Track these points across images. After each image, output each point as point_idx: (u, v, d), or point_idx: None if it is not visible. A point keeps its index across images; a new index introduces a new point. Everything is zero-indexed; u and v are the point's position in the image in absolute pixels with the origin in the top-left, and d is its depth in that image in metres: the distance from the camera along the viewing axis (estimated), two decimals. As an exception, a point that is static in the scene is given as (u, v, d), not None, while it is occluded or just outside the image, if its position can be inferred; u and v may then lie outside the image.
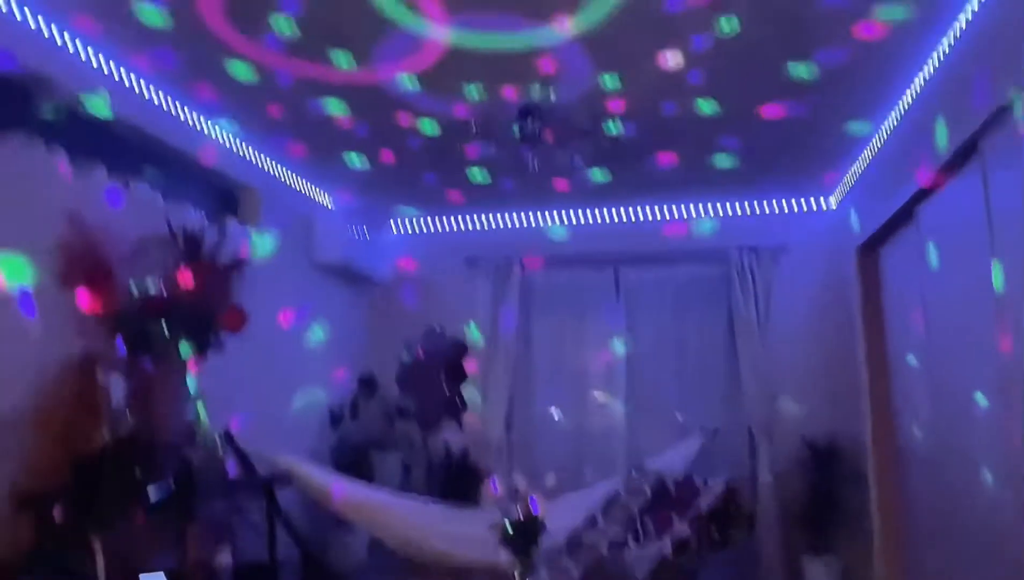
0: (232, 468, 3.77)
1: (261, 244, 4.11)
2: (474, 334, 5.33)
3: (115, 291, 3.03)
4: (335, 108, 3.53)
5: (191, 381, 3.38)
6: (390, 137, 3.89)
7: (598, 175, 4.38)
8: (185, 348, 3.14)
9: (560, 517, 3.75)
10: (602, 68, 3.12)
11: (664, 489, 3.71)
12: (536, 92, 3.27)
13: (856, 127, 3.74)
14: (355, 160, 4.24)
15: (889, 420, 4.20)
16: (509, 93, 3.31)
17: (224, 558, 3.31)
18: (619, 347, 5.29)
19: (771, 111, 3.51)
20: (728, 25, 2.73)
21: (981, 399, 2.78)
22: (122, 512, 2.71)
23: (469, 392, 5.27)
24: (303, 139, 3.97)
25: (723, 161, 4.21)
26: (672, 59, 2.99)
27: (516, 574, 2.96)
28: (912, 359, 3.72)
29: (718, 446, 4.50)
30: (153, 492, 2.87)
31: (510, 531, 2.98)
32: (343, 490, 3.84)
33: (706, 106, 3.43)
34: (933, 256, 3.35)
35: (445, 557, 3.84)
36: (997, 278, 2.58)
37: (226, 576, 3.26)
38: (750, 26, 2.73)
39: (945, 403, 3.25)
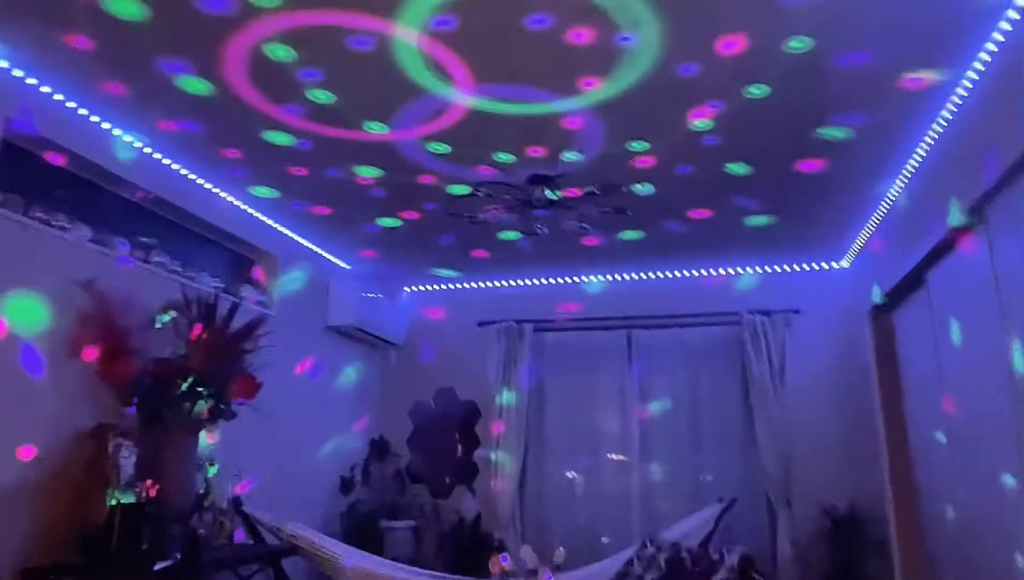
0: (240, 535, 3.75)
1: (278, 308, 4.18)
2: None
3: (130, 360, 3.08)
4: (356, 171, 3.58)
5: (202, 449, 3.39)
6: (406, 201, 3.96)
7: (623, 234, 4.40)
8: (198, 416, 3.16)
9: (573, 590, 3.67)
10: (621, 132, 3.16)
11: (679, 561, 3.61)
12: (552, 159, 3.32)
13: (867, 190, 3.76)
14: (373, 223, 4.31)
15: (911, 489, 4.08)
16: (528, 154, 3.36)
17: (229, 632, 3.26)
18: (632, 409, 5.23)
19: (788, 172, 3.52)
20: (756, 90, 2.77)
21: (1009, 479, 2.70)
22: (128, 586, 2.68)
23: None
24: (323, 202, 4.03)
25: (738, 223, 4.22)
26: (690, 122, 3.02)
27: (526, 653, 2.88)
28: (931, 430, 3.65)
29: (737, 518, 4.39)
30: (160, 565, 2.85)
31: (519, 607, 2.91)
32: (353, 560, 3.78)
33: (725, 167, 3.46)
34: (944, 323, 3.33)
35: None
36: (1017, 358, 2.54)
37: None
38: (773, 91, 2.78)
39: (969, 476, 3.17)
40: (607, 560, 4.01)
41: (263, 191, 3.83)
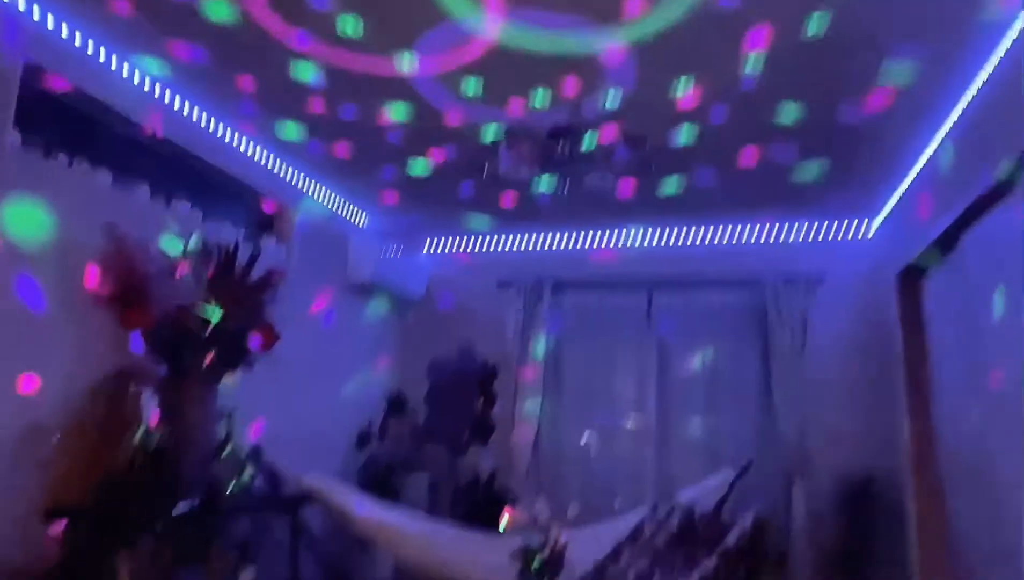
0: (259, 485, 3.82)
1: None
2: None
3: (151, 307, 3.10)
4: (377, 110, 3.49)
5: (222, 398, 3.43)
6: (426, 145, 3.89)
7: (651, 190, 4.27)
8: (217, 365, 3.19)
9: (585, 548, 3.68)
10: (660, 72, 3.05)
11: (692, 523, 3.61)
12: (582, 103, 3.21)
13: (910, 140, 3.61)
14: (392, 168, 4.23)
15: (931, 456, 4.03)
16: (559, 96, 3.26)
17: (248, 575, 3.33)
18: (650, 373, 5.21)
19: (830, 119, 3.37)
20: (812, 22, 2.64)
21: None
22: (147, 528, 2.74)
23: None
24: (341, 144, 3.96)
25: (772, 175, 4.07)
26: (739, 58, 2.88)
27: (536, 605, 2.91)
28: (958, 401, 3.59)
29: (751, 481, 4.37)
30: (179, 509, 2.91)
31: (529, 561, 2.94)
32: (365, 509, 3.84)
33: (767, 111, 3.33)
34: (978, 288, 3.23)
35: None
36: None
37: (249, 593, 3.26)
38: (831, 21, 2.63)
39: (993, 441, 3.11)
40: (619, 518, 4.03)
41: (287, 130, 3.76)
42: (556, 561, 2.94)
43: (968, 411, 3.35)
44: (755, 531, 3.20)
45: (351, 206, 5.00)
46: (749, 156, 3.83)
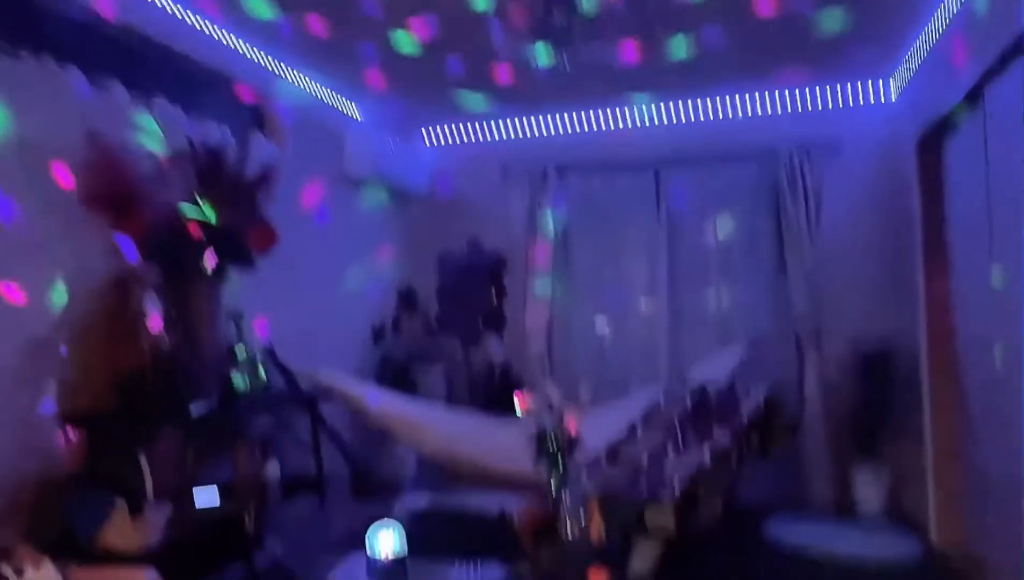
0: (275, 384, 3.87)
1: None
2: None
3: (141, 211, 3.02)
4: None
5: (228, 300, 3.41)
6: (405, 17, 3.63)
7: (659, 55, 3.91)
8: (217, 266, 3.14)
9: (599, 427, 3.74)
10: None
11: (705, 398, 3.64)
12: None
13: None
14: (377, 43, 3.92)
15: (946, 323, 3.99)
16: None
17: (272, 471, 3.42)
18: (661, 254, 5.13)
19: None
20: None
21: None
22: (167, 428, 2.78)
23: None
24: (315, 14, 3.69)
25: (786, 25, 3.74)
26: None
27: (552, 485, 2.97)
28: (976, 268, 3.48)
29: (764, 356, 4.38)
30: (196, 408, 2.94)
31: (543, 442, 2.97)
32: (379, 401, 3.91)
33: None
34: (1002, 150, 3.06)
35: (485, 469, 3.90)
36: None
37: (274, 488, 3.36)
38: None
39: (1010, 307, 3.04)
40: (632, 399, 4.07)
41: (254, 5, 3.49)
42: (570, 441, 2.97)
43: (986, 279, 3.25)
44: (768, 403, 3.22)
45: (345, 99, 4.79)
46: (764, 3, 3.52)
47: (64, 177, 2.76)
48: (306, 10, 3.60)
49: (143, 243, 3.02)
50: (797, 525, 4.14)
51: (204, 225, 3.06)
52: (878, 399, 4.44)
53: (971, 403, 3.72)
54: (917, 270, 4.19)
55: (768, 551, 3.87)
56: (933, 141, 4.04)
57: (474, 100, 4.79)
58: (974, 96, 3.28)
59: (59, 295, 2.77)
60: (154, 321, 2.92)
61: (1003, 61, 2.95)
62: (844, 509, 4.45)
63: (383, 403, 3.92)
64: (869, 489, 4.43)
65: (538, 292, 5.22)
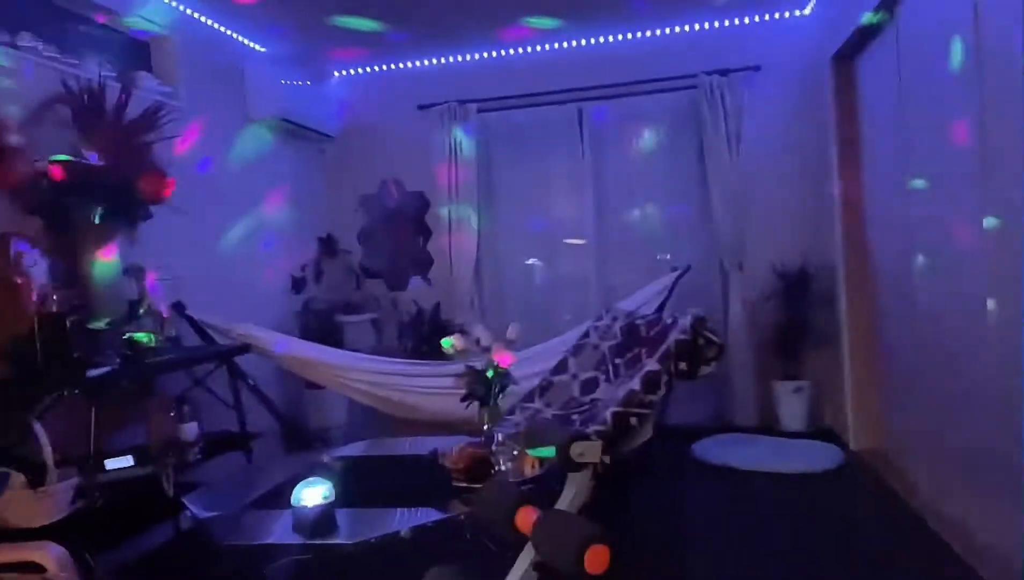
0: (189, 341, 3.66)
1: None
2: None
3: (16, 160, 2.73)
4: None
5: (129, 253, 3.16)
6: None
7: None
8: (108, 218, 2.89)
9: (531, 365, 3.72)
10: None
11: (634, 327, 3.64)
12: None
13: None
14: None
15: (861, 241, 4.10)
16: None
17: (191, 431, 3.25)
18: (586, 189, 5.07)
19: None
20: None
21: (990, 221, 2.57)
22: (62, 392, 2.58)
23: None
24: None
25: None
26: None
27: (485, 423, 2.93)
28: (889, 183, 3.55)
29: (690, 284, 4.41)
30: (96, 370, 2.74)
31: (475, 381, 2.92)
32: (282, 347, 3.81)
33: None
34: (913, 64, 3.08)
35: (419, 412, 3.84)
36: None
37: (194, 447, 3.20)
38: None
39: (921, 224, 3.11)
40: (564, 335, 4.05)
41: None
42: (501, 377, 2.92)
43: (899, 192, 3.32)
44: (695, 328, 3.23)
45: (244, 36, 4.43)
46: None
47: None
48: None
49: (20, 197, 2.75)
50: (723, 444, 4.26)
51: (88, 172, 2.79)
52: (798, 318, 4.57)
53: (885, 315, 3.85)
54: (833, 186, 4.26)
55: (696, 471, 3.98)
56: (847, 59, 4.06)
57: (367, 25, 4.46)
58: (888, 6, 3.27)
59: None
60: (40, 280, 2.68)
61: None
62: (768, 427, 4.61)
63: (287, 349, 3.80)
64: (792, 406, 4.60)
65: (463, 229, 5.09)
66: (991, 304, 2.37)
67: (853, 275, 4.18)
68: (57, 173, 2.69)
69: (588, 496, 1.53)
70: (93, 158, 2.80)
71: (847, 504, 3.44)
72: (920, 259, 3.13)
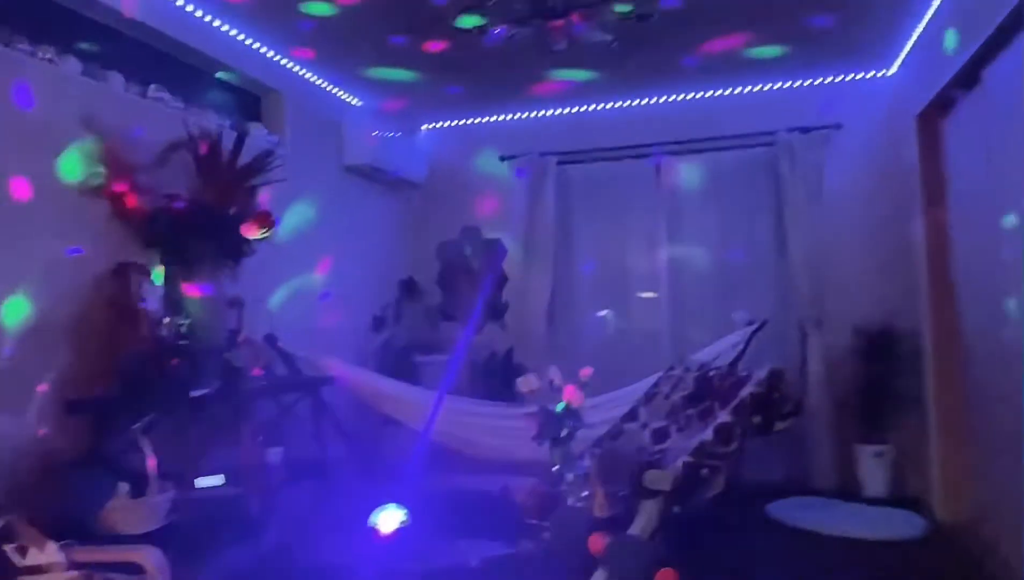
0: (278, 370, 3.87)
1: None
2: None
3: (142, 197, 3.03)
4: None
5: (229, 286, 3.42)
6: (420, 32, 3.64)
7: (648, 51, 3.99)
8: (217, 253, 3.15)
9: (601, 411, 3.75)
10: None
11: (707, 379, 3.64)
12: None
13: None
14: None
15: (949, 303, 3.97)
16: None
17: (275, 455, 3.43)
18: (661, 243, 5.12)
19: None
20: None
21: None
22: (168, 411, 2.79)
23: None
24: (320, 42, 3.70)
25: (785, 27, 3.83)
26: None
27: (555, 463, 2.97)
28: (978, 245, 3.46)
29: (767, 340, 4.36)
30: (198, 392, 2.95)
31: (547, 421, 2.97)
32: (379, 385, 3.93)
33: None
34: (1001, 126, 3.04)
35: (490, 451, 3.91)
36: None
37: (278, 472, 3.37)
38: None
39: (1012, 285, 3.02)
40: (635, 384, 4.06)
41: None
42: (573, 417, 2.97)
43: (989, 257, 3.24)
44: (770, 381, 3.21)
45: (344, 90, 4.78)
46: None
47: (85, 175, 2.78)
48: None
49: (143, 231, 3.04)
50: (801, 506, 4.13)
51: (203, 212, 3.07)
52: (881, 380, 4.42)
53: (974, 382, 3.70)
54: (919, 247, 4.17)
55: (772, 530, 3.87)
56: (931, 118, 4.02)
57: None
58: (972, 74, 3.26)
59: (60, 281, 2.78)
60: (153, 306, 2.94)
61: (998, 42, 2.94)
62: (848, 491, 4.44)
63: (383, 388, 3.94)
64: (873, 470, 4.42)
65: (539, 279, 5.22)
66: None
67: (940, 337, 4.04)
68: (177, 211, 2.97)
69: (657, 524, 1.57)
70: (207, 199, 3.07)
71: (932, 575, 3.27)
72: (1010, 322, 3.03)
